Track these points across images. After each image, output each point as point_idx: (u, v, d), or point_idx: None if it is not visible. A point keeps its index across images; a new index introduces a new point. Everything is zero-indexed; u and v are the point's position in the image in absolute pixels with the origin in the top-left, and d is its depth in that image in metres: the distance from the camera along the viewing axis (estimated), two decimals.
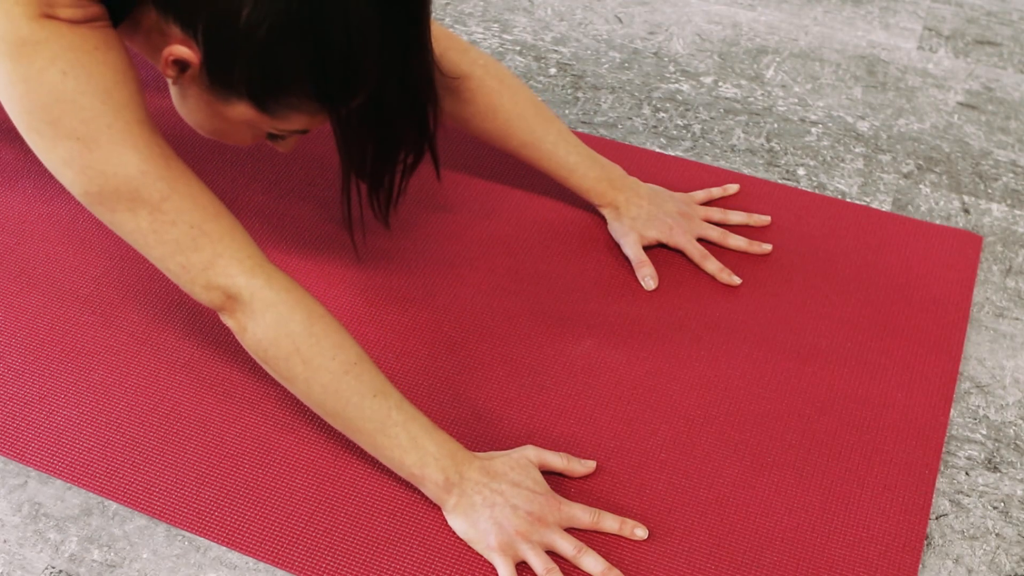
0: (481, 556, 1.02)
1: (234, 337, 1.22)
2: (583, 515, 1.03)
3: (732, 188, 1.42)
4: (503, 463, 1.03)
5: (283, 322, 0.98)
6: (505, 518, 0.99)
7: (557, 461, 1.07)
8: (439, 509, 1.06)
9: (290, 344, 0.98)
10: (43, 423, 1.13)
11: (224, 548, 1.03)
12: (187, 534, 1.05)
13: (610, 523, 1.03)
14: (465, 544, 1.03)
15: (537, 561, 0.99)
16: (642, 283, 1.29)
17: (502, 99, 1.28)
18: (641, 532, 1.03)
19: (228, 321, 1.01)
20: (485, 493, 1.00)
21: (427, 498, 1.07)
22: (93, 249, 1.34)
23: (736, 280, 1.30)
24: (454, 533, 1.04)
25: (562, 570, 1.00)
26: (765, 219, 1.38)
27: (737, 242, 1.33)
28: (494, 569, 1.01)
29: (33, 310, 1.26)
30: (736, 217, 1.37)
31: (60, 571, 1.02)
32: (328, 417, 1.02)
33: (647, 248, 1.32)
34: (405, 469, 1.01)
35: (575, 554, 1.00)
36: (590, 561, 1.00)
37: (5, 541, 1.04)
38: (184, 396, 1.16)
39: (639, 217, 1.31)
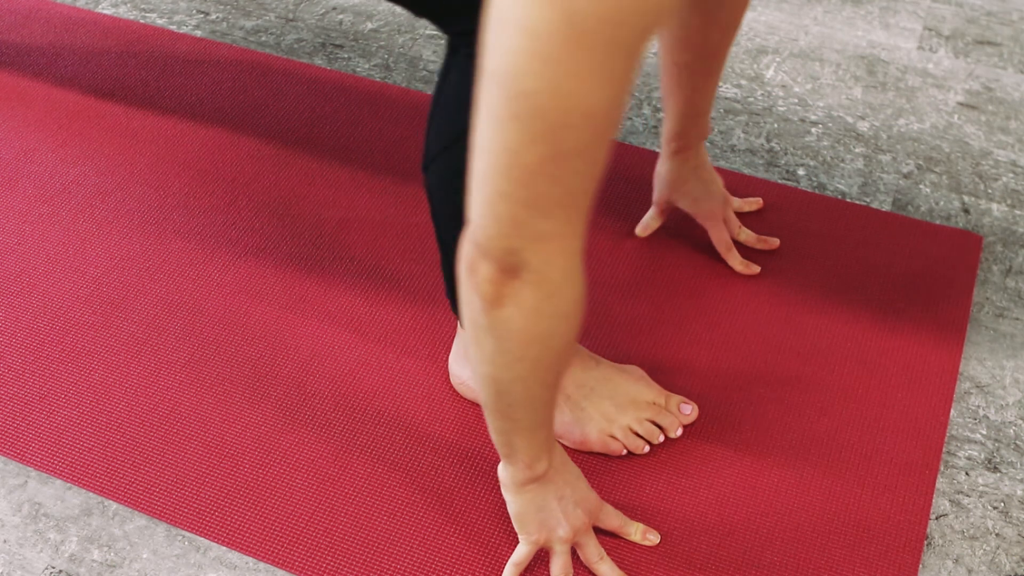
0: (481, 554, 1.02)
1: (233, 336, 1.23)
2: (614, 519, 1.04)
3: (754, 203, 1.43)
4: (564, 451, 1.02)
5: (552, 335, 0.82)
6: (565, 514, 0.98)
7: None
8: (438, 510, 1.06)
9: (538, 353, 0.83)
10: (43, 423, 1.13)
11: (224, 548, 1.03)
12: (187, 534, 1.05)
13: (632, 531, 1.04)
14: (464, 544, 1.03)
15: (559, 567, 0.99)
16: (641, 225, 1.37)
17: (733, 22, 1.16)
18: (653, 537, 1.05)
19: (485, 284, 0.79)
20: (559, 483, 0.98)
21: (426, 499, 1.07)
22: (93, 249, 1.34)
23: (755, 268, 1.33)
24: (453, 534, 1.04)
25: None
26: (756, 201, 1.42)
27: (747, 236, 1.34)
28: (494, 570, 1.01)
29: (33, 310, 1.26)
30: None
31: (60, 571, 1.02)
32: (496, 399, 0.88)
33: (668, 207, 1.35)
34: (521, 450, 0.93)
35: (596, 560, 1.01)
36: (606, 568, 1.00)
37: (5, 541, 1.04)
38: (184, 396, 1.16)
39: (708, 186, 1.31)
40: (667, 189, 1.31)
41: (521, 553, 0.99)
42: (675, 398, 1.14)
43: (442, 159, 0.97)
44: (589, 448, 1.11)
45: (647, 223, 1.36)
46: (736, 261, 1.32)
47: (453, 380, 1.17)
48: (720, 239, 1.32)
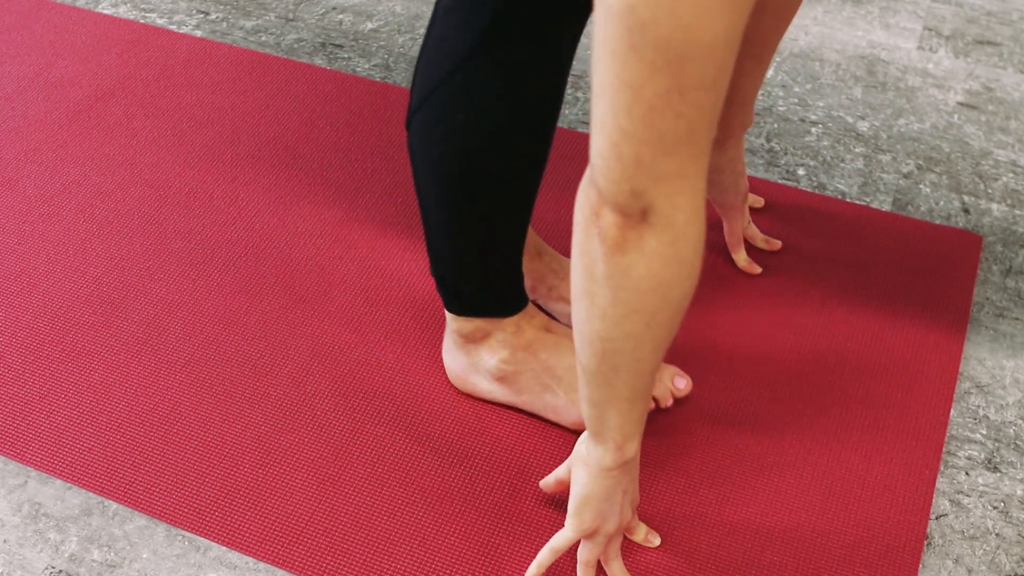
0: (480, 554, 1.02)
1: (233, 336, 1.23)
2: (634, 518, 1.04)
3: (758, 201, 1.43)
4: None
5: (672, 284, 0.79)
6: (620, 509, 0.97)
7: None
8: (438, 510, 1.06)
9: (656, 304, 0.80)
10: (43, 423, 1.13)
11: (224, 548, 1.03)
12: (187, 534, 1.05)
13: (639, 530, 1.05)
14: (464, 545, 1.03)
15: (591, 555, 0.99)
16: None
17: (788, 11, 1.17)
18: (654, 539, 1.05)
19: (611, 229, 0.77)
20: (632, 474, 0.97)
21: (426, 499, 1.07)
22: (93, 249, 1.34)
23: (757, 269, 1.33)
24: (453, 534, 1.04)
25: (561, 570, 1.01)
26: (758, 200, 1.42)
27: (754, 231, 1.35)
28: (493, 570, 1.01)
29: (33, 310, 1.26)
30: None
31: (60, 571, 1.02)
32: (600, 361, 0.86)
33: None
34: (614, 428, 0.91)
35: (614, 557, 1.01)
36: (617, 567, 1.01)
37: (5, 541, 1.04)
38: (184, 396, 1.17)
39: (738, 179, 1.30)
40: (725, 179, 1.29)
41: (563, 539, 0.97)
42: (669, 369, 1.13)
43: (422, 110, 0.97)
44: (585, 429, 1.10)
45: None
46: (741, 257, 1.33)
47: (448, 374, 1.17)
48: (734, 231, 1.32)
